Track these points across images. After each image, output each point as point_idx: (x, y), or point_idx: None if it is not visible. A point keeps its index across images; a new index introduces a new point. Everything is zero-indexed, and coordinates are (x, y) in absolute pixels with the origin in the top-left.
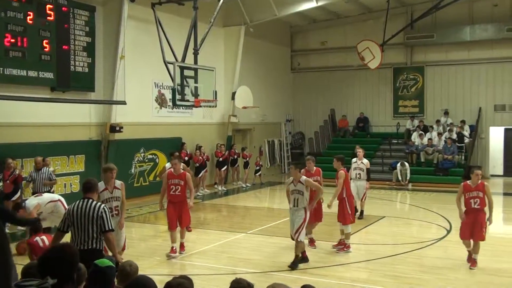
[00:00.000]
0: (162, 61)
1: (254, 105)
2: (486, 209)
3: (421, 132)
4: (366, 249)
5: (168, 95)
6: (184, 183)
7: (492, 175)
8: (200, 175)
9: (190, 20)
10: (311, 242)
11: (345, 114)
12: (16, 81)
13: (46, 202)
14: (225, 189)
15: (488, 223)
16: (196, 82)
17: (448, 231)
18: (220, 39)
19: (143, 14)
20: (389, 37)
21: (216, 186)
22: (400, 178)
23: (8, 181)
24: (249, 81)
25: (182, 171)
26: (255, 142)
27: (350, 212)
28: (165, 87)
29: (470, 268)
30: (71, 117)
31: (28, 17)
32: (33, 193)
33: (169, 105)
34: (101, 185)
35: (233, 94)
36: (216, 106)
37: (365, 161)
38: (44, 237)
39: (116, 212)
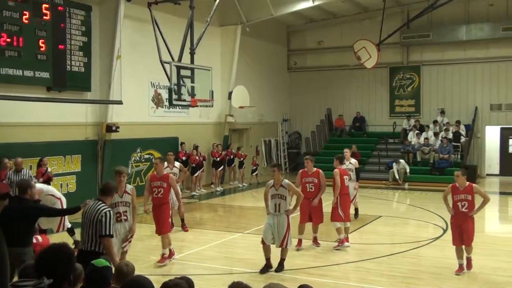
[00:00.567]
0: (158, 61)
1: (251, 104)
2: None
3: (417, 131)
4: (363, 248)
5: (164, 94)
6: (167, 186)
7: (488, 174)
8: (196, 175)
9: (187, 20)
10: (315, 241)
11: (342, 113)
12: (12, 81)
13: (48, 193)
14: (221, 189)
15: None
16: (192, 81)
17: (445, 231)
18: (217, 39)
19: (139, 14)
20: (385, 37)
21: (212, 186)
22: (397, 177)
23: (4, 181)
24: (245, 81)
25: (165, 173)
26: (251, 141)
27: (341, 211)
28: (161, 87)
29: (467, 270)
30: (67, 117)
31: (24, 17)
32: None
33: (165, 105)
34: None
35: (230, 93)
36: (212, 106)
37: (353, 161)
38: (38, 237)
39: (125, 217)
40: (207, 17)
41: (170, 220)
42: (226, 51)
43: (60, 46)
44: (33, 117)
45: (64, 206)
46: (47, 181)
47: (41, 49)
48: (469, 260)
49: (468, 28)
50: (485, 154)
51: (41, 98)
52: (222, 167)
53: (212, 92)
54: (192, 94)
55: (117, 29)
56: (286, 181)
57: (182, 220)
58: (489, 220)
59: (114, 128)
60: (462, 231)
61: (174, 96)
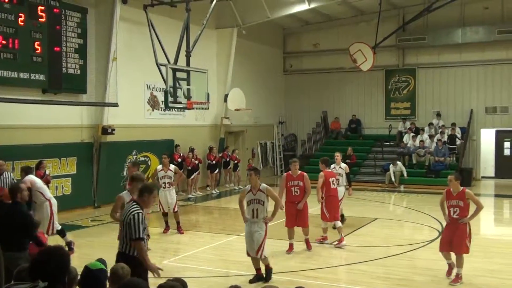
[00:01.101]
0: (154, 63)
1: (247, 107)
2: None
3: (413, 134)
4: (358, 250)
5: (160, 97)
6: None
7: (484, 177)
8: (192, 177)
9: (183, 22)
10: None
11: (338, 116)
12: (8, 83)
13: (39, 190)
14: (217, 191)
15: (468, 230)
16: (188, 84)
17: (440, 233)
18: (213, 41)
19: (135, 16)
20: (381, 40)
21: (208, 188)
22: (393, 180)
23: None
24: (241, 83)
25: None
26: (247, 144)
27: (327, 211)
28: (157, 89)
29: (451, 284)
30: (63, 119)
31: (20, 19)
32: None
33: (161, 107)
34: (126, 195)
35: (226, 96)
36: (208, 108)
37: (343, 165)
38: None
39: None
40: (203, 19)
41: None
42: (222, 53)
43: (55, 48)
44: (28, 120)
45: (54, 209)
46: (45, 185)
47: (36, 51)
48: (457, 276)
49: (464, 31)
50: (480, 156)
51: (37, 100)
52: (217, 170)
53: (208, 94)
54: (188, 96)
55: (113, 31)
56: (265, 185)
57: (178, 222)
58: (484, 223)
59: (109, 130)
60: (453, 238)
61: (170, 99)
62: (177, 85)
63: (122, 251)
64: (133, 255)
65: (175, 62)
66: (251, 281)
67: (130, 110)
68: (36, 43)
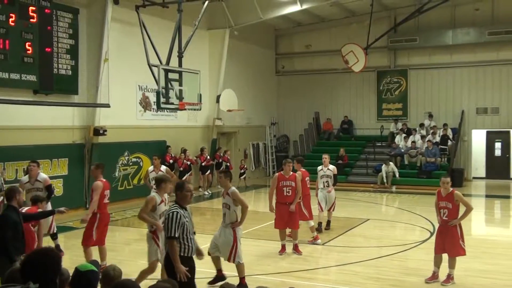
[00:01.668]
0: (146, 64)
1: (239, 108)
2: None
3: (404, 135)
4: (350, 251)
5: (152, 98)
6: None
7: (475, 178)
8: (184, 178)
9: (175, 23)
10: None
11: (330, 117)
12: None
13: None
14: (209, 192)
15: (459, 231)
16: (180, 85)
17: (432, 233)
18: (205, 42)
19: (127, 17)
20: (372, 41)
21: (200, 189)
22: (385, 180)
23: None
24: (233, 84)
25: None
26: (240, 145)
27: (305, 210)
28: (149, 90)
29: (442, 285)
30: (54, 120)
31: (11, 19)
32: None
33: (153, 108)
34: (157, 196)
35: (218, 97)
36: (200, 109)
37: (332, 167)
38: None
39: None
40: (195, 20)
41: (92, 231)
42: (214, 54)
43: (47, 49)
44: (19, 120)
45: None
46: None
47: (27, 52)
48: (448, 276)
49: (455, 32)
50: (471, 157)
51: (28, 101)
52: (209, 171)
53: (200, 95)
54: (180, 97)
55: (105, 32)
56: (233, 188)
57: None
58: (475, 223)
59: (101, 131)
60: (445, 240)
61: (162, 100)
62: (169, 86)
63: (166, 251)
64: (182, 256)
65: (167, 63)
66: (210, 283)
67: (122, 111)
68: (27, 43)
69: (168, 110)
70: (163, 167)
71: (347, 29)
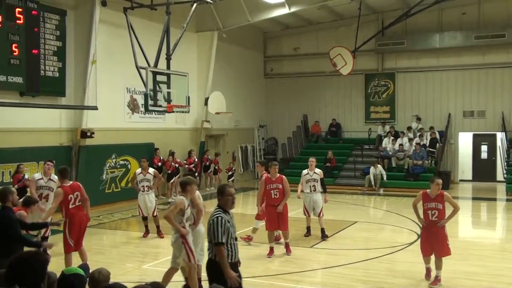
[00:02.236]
0: (134, 66)
1: (227, 110)
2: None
3: (392, 137)
4: (339, 254)
5: (140, 100)
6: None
7: (461, 180)
8: (172, 181)
9: (163, 25)
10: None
11: (318, 119)
12: None
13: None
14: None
15: (446, 231)
16: (168, 87)
17: (419, 236)
18: (193, 44)
19: (115, 19)
20: (360, 44)
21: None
22: (373, 183)
23: None
24: (222, 87)
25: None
26: (228, 147)
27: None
28: (137, 92)
29: (430, 287)
30: (41, 122)
31: None
32: None
33: (141, 111)
34: (186, 200)
35: (206, 99)
36: (189, 112)
37: (318, 170)
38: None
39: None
40: (184, 22)
41: (67, 239)
42: (202, 57)
43: (33, 51)
44: (5, 123)
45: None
46: (23, 188)
47: (14, 53)
48: (436, 278)
49: (442, 36)
50: (458, 160)
51: (14, 103)
52: (196, 174)
53: (189, 98)
54: (168, 100)
55: (92, 33)
56: (196, 193)
57: (158, 226)
58: (462, 225)
59: (89, 133)
60: (433, 241)
61: (150, 102)
62: (157, 88)
63: (209, 257)
64: (215, 260)
65: (155, 65)
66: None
67: (110, 113)
68: (13, 45)
69: (156, 113)
70: (151, 169)
71: (335, 32)
